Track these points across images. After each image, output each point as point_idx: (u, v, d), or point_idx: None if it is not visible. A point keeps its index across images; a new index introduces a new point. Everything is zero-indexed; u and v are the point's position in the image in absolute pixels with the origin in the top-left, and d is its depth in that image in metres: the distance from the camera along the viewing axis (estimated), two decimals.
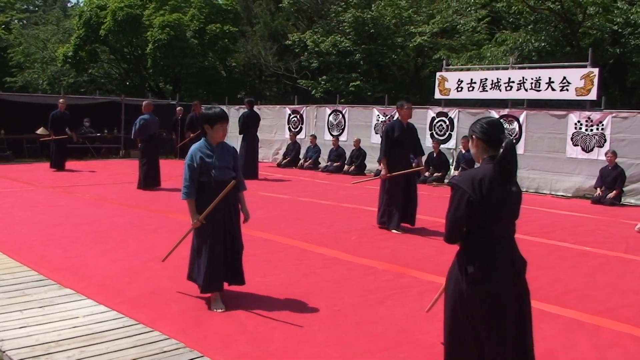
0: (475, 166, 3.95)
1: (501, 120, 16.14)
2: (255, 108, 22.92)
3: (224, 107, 24.31)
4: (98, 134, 23.65)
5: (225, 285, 6.01)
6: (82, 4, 43.28)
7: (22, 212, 10.48)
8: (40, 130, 19.33)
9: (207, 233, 5.80)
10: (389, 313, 5.73)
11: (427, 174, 17.31)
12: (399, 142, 10.03)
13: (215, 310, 5.70)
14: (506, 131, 3.89)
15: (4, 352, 4.52)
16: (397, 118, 10.41)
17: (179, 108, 22.92)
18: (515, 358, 3.80)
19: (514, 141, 3.85)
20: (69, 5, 56.71)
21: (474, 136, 3.96)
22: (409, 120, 10.37)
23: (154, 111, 14.36)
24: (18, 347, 4.60)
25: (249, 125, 17.29)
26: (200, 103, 20.25)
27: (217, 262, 5.79)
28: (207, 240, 5.79)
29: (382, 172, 10.10)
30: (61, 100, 18.59)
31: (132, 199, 12.29)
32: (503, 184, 3.77)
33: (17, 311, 5.40)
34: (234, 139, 18.26)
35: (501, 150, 3.77)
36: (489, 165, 3.81)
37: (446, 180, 16.99)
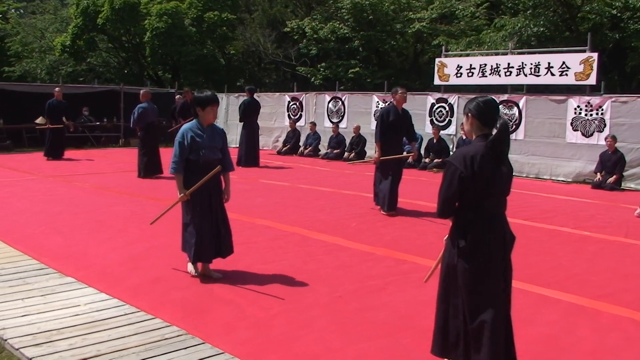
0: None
1: (500, 104, 16.12)
2: (255, 96, 22.94)
3: (224, 95, 24.35)
4: (97, 123, 23.61)
5: (226, 272, 6.02)
6: None
7: (22, 202, 10.48)
8: (39, 120, 19.30)
9: (195, 209, 6.23)
10: (390, 299, 5.74)
11: (427, 160, 17.30)
12: (394, 126, 10.21)
13: (193, 274, 6.30)
14: (501, 112, 4.01)
15: (5, 340, 4.53)
16: (392, 103, 10.53)
17: (178, 96, 22.84)
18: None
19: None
20: None
21: (469, 114, 4.07)
22: (404, 106, 10.55)
23: (152, 100, 14.34)
24: (20, 335, 4.61)
25: (250, 113, 17.29)
26: (191, 91, 20.24)
27: (206, 235, 6.22)
28: (195, 216, 6.23)
29: (375, 156, 10.31)
30: (57, 89, 18.52)
31: (133, 188, 12.30)
32: (494, 162, 3.89)
33: (18, 299, 5.41)
34: (235, 126, 18.25)
35: (495, 130, 3.91)
36: (481, 143, 3.93)
37: None
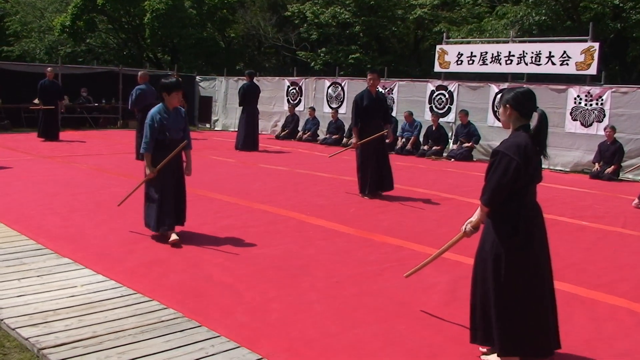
0: (508, 135, 4.19)
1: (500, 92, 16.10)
2: (255, 80, 22.88)
3: (223, 78, 24.30)
4: (96, 104, 23.53)
5: (224, 257, 6.03)
6: None
7: (20, 182, 10.46)
8: (37, 100, 19.22)
9: (158, 183, 6.94)
10: (387, 285, 5.74)
11: (425, 147, 17.29)
12: (369, 111, 10.33)
13: (171, 243, 6.79)
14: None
15: (1, 320, 4.52)
16: (367, 88, 10.59)
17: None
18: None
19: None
20: None
21: (508, 105, 4.13)
22: (379, 89, 10.83)
23: (150, 81, 14.28)
24: (16, 315, 4.61)
25: (249, 97, 17.26)
26: (176, 74, 20.45)
27: (166, 206, 6.92)
28: (159, 189, 6.93)
29: (354, 141, 10.51)
30: (49, 69, 18.39)
31: (131, 169, 12.27)
32: (538, 152, 4.04)
33: (15, 280, 5.40)
34: (234, 110, 18.21)
35: (537, 121, 4.03)
36: (525, 134, 4.04)
37: (445, 154, 16.99)
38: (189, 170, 7.22)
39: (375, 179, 10.34)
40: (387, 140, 10.74)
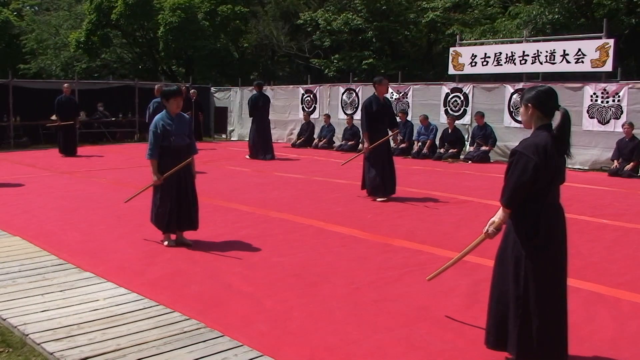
0: (529, 134, 4.13)
1: (515, 92, 16.04)
2: (269, 88, 22.94)
3: (237, 89, 24.44)
4: (112, 119, 23.70)
5: (244, 266, 6.05)
6: None
7: (40, 198, 10.56)
8: (54, 116, 19.37)
9: (165, 188, 7.16)
10: (407, 290, 5.74)
11: (441, 150, 17.25)
12: (377, 116, 10.53)
13: (167, 245, 7.20)
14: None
15: (27, 335, 4.56)
16: (374, 93, 10.77)
17: (192, 90, 22.94)
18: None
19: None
20: None
21: (529, 104, 4.09)
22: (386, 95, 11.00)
23: None
24: (41, 330, 4.65)
25: (258, 107, 17.35)
26: (185, 85, 20.63)
27: (173, 211, 7.16)
28: (166, 195, 7.16)
29: (365, 146, 10.66)
30: (66, 85, 18.49)
31: (149, 183, 12.31)
32: (560, 151, 3.99)
33: (38, 295, 5.45)
34: (249, 120, 18.30)
35: (560, 119, 3.98)
36: (546, 133, 3.99)
37: (462, 157, 16.94)
38: (194, 174, 7.45)
39: (381, 183, 10.50)
40: (401, 145, 10.81)
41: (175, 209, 7.18)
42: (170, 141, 7.10)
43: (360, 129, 19.24)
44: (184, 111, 17.50)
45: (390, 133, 10.74)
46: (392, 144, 11.49)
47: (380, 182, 10.45)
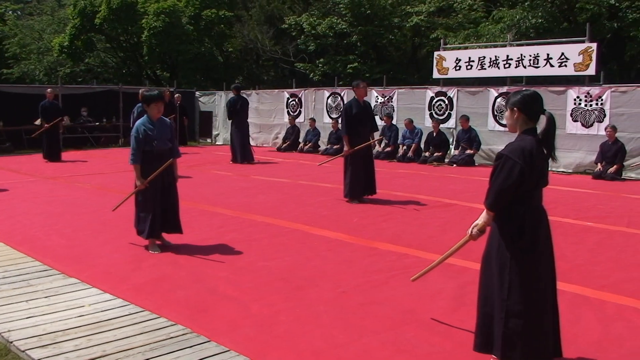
0: (515, 138, 4.15)
1: (499, 96, 16.13)
2: (254, 92, 22.94)
3: (222, 93, 24.40)
4: (96, 123, 23.57)
5: (230, 270, 6.04)
6: None
7: (24, 203, 10.48)
8: (37, 122, 19.24)
9: (148, 193, 7.21)
10: (394, 293, 5.74)
11: (427, 153, 17.30)
12: (358, 119, 10.66)
13: (152, 252, 7.18)
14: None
15: (11, 342, 4.53)
16: (354, 97, 10.92)
17: (177, 95, 22.88)
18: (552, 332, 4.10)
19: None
20: None
21: (515, 108, 4.11)
22: (365, 99, 11.15)
23: None
24: (25, 337, 4.62)
25: (236, 110, 17.41)
26: (169, 89, 20.71)
27: (156, 215, 7.21)
28: (149, 199, 7.22)
29: (345, 149, 10.79)
30: (49, 90, 18.32)
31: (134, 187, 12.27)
32: (545, 155, 4.03)
33: (23, 302, 5.41)
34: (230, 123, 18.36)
35: (545, 124, 4.02)
36: (531, 137, 4.02)
37: (447, 160, 17.00)
38: (175, 177, 7.54)
39: (362, 185, 10.68)
40: (386, 149, 10.95)
41: (159, 212, 7.26)
42: (153, 145, 7.17)
43: None
44: (169, 115, 17.52)
45: (372, 139, 10.86)
46: (377, 148, 11.59)
47: (358, 185, 10.62)
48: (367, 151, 10.86)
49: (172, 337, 4.64)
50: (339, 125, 19.72)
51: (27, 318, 5.01)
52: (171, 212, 7.43)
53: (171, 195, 7.43)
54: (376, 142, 10.94)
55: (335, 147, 19.41)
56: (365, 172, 10.70)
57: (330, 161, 12.40)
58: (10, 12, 46.09)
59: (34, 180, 13.71)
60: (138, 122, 7.29)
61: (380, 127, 15.67)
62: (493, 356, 4.11)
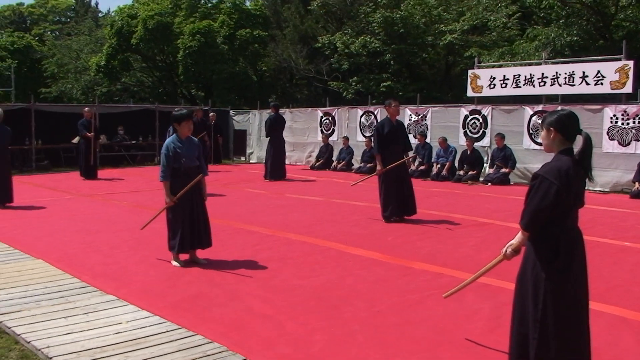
0: (551, 158, 4.12)
1: (535, 114, 16.01)
2: (287, 111, 23.13)
3: (256, 112, 24.59)
4: (133, 142, 23.91)
5: (264, 288, 6.07)
6: (113, 14, 43.86)
7: (62, 221, 10.65)
8: (76, 140, 19.56)
9: (177, 210, 7.41)
10: (429, 313, 5.72)
11: (461, 172, 17.22)
12: (390, 138, 10.64)
13: (176, 265, 7.43)
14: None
15: (50, 358, 4.60)
16: (387, 116, 10.94)
17: (211, 114, 23.12)
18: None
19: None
20: (100, 15, 57.49)
21: (551, 128, 4.08)
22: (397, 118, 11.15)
23: None
24: (64, 353, 4.68)
25: (274, 128, 17.66)
26: (202, 109, 20.92)
27: (185, 231, 7.41)
28: (178, 215, 7.41)
29: (378, 168, 10.76)
30: (86, 108, 18.56)
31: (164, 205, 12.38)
32: (582, 176, 4.00)
33: (61, 318, 5.49)
34: (265, 141, 18.48)
35: (582, 144, 3.99)
36: (567, 157, 3.99)
37: (481, 179, 16.90)
38: (204, 194, 7.73)
39: (399, 204, 10.58)
40: (420, 167, 10.87)
41: (189, 229, 7.45)
42: (181, 163, 7.39)
43: None
44: (200, 133, 17.67)
45: (405, 157, 10.81)
46: (411, 167, 11.52)
47: (391, 204, 10.54)
48: (403, 171, 10.81)
49: (208, 355, 4.67)
50: (372, 144, 19.85)
51: (65, 334, 5.07)
52: (202, 228, 7.60)
53: (200, 211, 7.58)
54: (410, 160, 10.82)
55: (368, 165, 19.42)
56: (403, 192, 10.61)
57: (363, 181, 12.36)
58: (48, 32, 47.08)
59: (71, 197, 13.92)
60: (168, 140, 7.52)
61: (414, 146, 15.66)
62: None
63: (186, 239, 7.43)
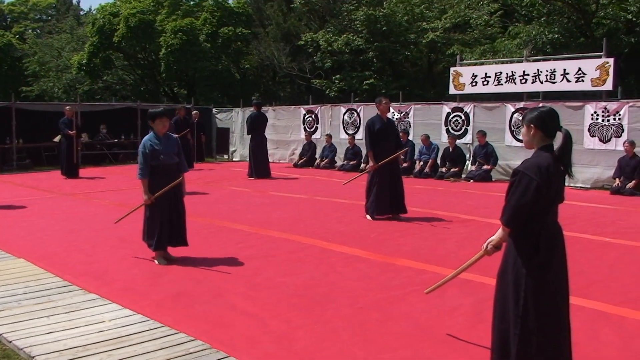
0: (531, 154, 4.16)
1: (516, 112, 16.10)
2: (270, 109, 23.10)
3: (239, 110, 24.53)
4: (115, 140, 23.79)
5: (248, 286, 6.08)
6: (94, 12, 43.62)
7: (43, 220, 10.59)
8: (57, 138, 19.43)
9: (156, 207, 7.41)
10: (412, 309, 5.75)
11: (443, 169, 17.28)
12: (381, 135, 10.64)
13: (159, 263, 7.37)
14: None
15: (33, 357, 4.57)
16: (377, 113, 10.92)
17: (195, 112, 23.04)
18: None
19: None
20: (81, 13, 57.15)
21: (532, 125, 4.12)
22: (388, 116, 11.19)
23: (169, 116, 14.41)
24: (46, 352, 4.66)
25: (256, 126, 17.66)
26: (185, 107, 20.83)
27: (164, 228, 7.40)
28: (156, 213, 7.41)
29: (370, 164, 10.78)
30: (67, 107, 18.42)
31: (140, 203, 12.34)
32: (562, 172, 4.03)
33: (44, 317, 5.46)
34: (247, 139, 18.46)
35: (562, 140, 4.02)
36: (547, 154, 4.02)
37: (463, 176, 16.98)
38: (184, 192, 7.73)
39: (390, 201, 10.57)
40: (403, 165, 10.87)
41: (167, 225, 7.46)
42: (159, 160, 7.39)
43: (362, 149, 19.47)
44: (183, 131, 17.56)
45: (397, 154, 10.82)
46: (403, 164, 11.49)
47: (384, 202, 10.52)
48: (395, 168, 10.82)
49: (191, 353, 4.67)
50: (356, 142, 19.89)
51: (48, 333, 5.05)
52: (178, 225, 7.62)
53: (178, 209, 7.61)
54: (401, 155, 10.82)
55: (351, 162, 19.47)
56: (394, 190, 10.63)
57: (356, 178, 12.32)
58: (29, 30, 46.72)
59: (52, 196, 13.83)
60: (145, 138, 7.53)
61: None
62: None
63: (164, 237, 7.45)
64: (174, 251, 7.74)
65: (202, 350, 4.73)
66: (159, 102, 29.27)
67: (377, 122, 10.73)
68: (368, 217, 10.62)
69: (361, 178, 12.06)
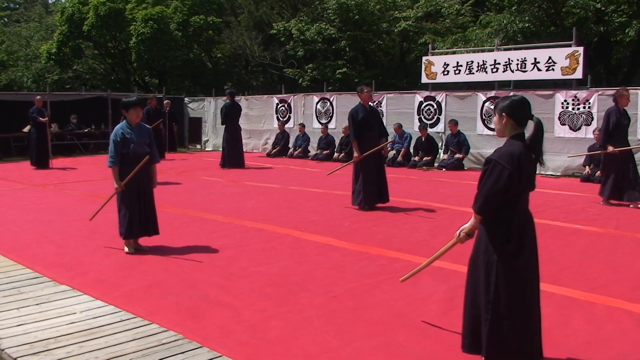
0: (503, 142, 4.20)
1: (487, 100, 16.21)
2: (243, 98, 23.00)
3: (211, 99, 24.39)
4: (85, 130, 23.54)
5: (221, 276, 6.05)
6: (64, 0, 43.00)
7: (13, 211, 10.45)
8: (26, 129, 19.17)
9: (126, 196, 7.45)
10: (385, 297, 5.77)
11: (416, 158, 17.35)
12: (365, 124, 10.56)
13: (127, 251, 7.44)
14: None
15: (3, 350, 4.52)
16: (360, 102, 10.85)
17: (166, 101, 22.88)
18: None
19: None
20: (50, 1, 56.34)
21: (503, 113, 4.15)
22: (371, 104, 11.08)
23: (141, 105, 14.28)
24: (17, 344, 4.61)
25: (231, 116, 17.57)
26: (156, 97, 20.67)
27: (134, 217, 7.45)
28: (126, 201, 7.45)
29: (355, 155, 10.60)
30: (38, 97, 18.22)
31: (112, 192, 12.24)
32: (533, 160, 4.07)
33: (13, 309, 5.40)
34: (220, 129, 18.36)
35: (533, 129, 4.06)
36: (519, 142, 4.06)
37: (436, 164, 17.06)
38: (154, 182, 7.76)
39: (375, 192, 10.53)
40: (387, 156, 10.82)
41: (137, 215, 7.50)
42: (130, 148, 7.40)
43: (335, 138, 19.48)
44: (156, 121, 17.46)
45: (381, 144, 10.74)
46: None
47: (372, 191, 10.46)
48: (379, 159, 10.75)
49: (164, 344, 4.64)
50: (329, 131, 19.90)
51: (18, 325, 5.00)
52: (149, 214, 7.65)
53: (147, 199, 7.63)
54: (387, 143, 10.78)
55: (325, 152, 19.49)
56: (378, 179, 10.58)
57: (339, 169, 12.25)
58: None
59: (22, 187, 13.66)
60: (117, 126, 7.54)
61: None
62: (482, 357, 4.15)
63: (134, 225, 7.47)
64: (147, 241, 7.70)
65: (175, 340, 4.70)
66: (130, 91, 28.95)
67: (361, 111, 10.61)
68: (357, 206, 10.49)
69: (345, 168, 12.00)
